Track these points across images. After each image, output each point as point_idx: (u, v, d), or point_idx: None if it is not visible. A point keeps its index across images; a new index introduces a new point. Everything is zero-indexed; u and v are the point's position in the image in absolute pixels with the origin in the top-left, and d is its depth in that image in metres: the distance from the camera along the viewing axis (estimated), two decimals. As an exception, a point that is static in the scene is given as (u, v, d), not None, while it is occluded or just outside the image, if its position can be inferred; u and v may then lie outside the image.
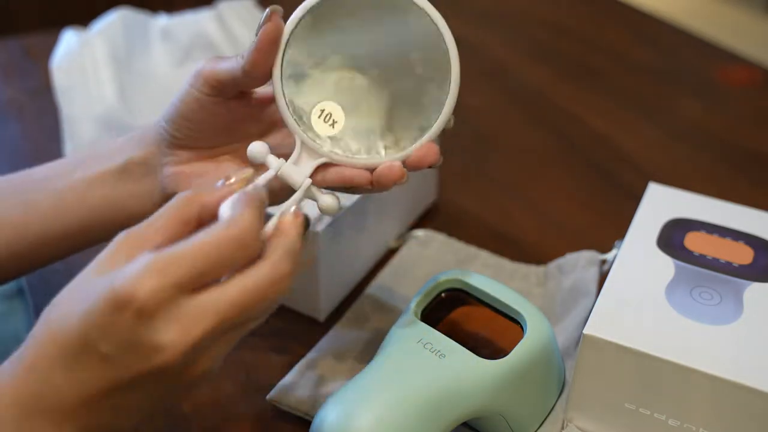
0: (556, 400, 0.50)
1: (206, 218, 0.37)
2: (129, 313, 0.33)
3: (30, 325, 0.63)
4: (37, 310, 0.59)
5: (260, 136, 0.48)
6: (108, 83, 0.80)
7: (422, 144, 0.43)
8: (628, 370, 0.45)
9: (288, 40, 0.43)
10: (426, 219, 0.69)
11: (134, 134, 0.51)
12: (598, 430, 0.48)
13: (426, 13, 0.42)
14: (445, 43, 0.43)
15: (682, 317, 0.47)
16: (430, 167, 0.44)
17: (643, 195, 0.58)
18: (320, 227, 0.54)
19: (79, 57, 0.83)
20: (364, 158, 0.43)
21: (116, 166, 0.50)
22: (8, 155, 0.80)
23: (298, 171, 0.42)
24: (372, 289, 0.60)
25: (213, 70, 0.44)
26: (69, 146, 0.75)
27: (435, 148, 0.44)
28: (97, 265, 0.36)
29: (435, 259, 0.63)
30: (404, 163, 0.43)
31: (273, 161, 0.42)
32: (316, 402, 0.49)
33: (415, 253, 0.63)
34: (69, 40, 0.86)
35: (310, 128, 0.43)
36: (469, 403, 0.44)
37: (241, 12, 0.92)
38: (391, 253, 0.64)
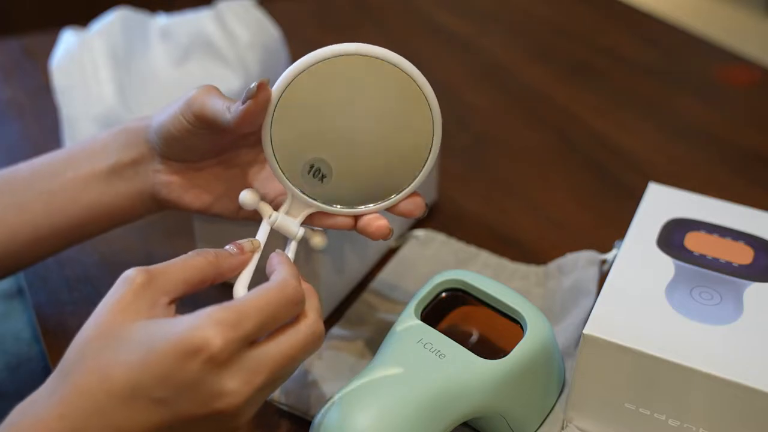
0: (556, 400, 0.50)
1: (217, 280, 0.41)
2: (199, 361, 0.35)
3: (30, 324, 0.63)
4: (37, 310, 0.59)
5: (250, 147, 0.50)
6: (107, 83, 0.80)
7: (400, 199, 0.46)
8: (628, 370, 0.45)
9: (276, 104, 0.43)
10: (426, 219, 0.69)
11: (121, 131, 0.50)
12: (598, 430, 0.48)
13: (412, 78, 0.44)
14: (430, 108, 0.44)
15: (682, 317, 0.47)
16: (417, 218, 0.46)
17: (643, 195, 0.58)
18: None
19: (78, 57, 0.83)
20: (349, 210, 0.46)
21: (106, 167, 0.50)
22: (8, 155, 0.80)
23: (290, 221, 0.46)
24: (372, 289, 0.60)
25: (202, 107, 0.44)
26: (68, 146, 0.75)
27: (419, 202, 0.47)
28: (119, 309, 0.37)
29: (435, 259, 0.63)
30: (391, 210, 0.46)
31: (265, 209, 0.46)
32: (316, 402, 0.49)
33: (415, 253, 0.63)
34: (68, 40, 0.86)
35: (299, 181, 0.45)
36: (469, 403, 0.44)
37: (240, 12, 0.92)
38: (391, 253, 0.64)
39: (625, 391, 0.46)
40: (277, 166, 0.45)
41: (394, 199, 0.46)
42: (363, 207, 0.46)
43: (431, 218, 0.69)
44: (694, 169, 0.77)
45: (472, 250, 0.63)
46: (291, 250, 0.45)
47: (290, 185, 0.45)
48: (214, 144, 0.48)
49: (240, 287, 0.42)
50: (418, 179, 0.46)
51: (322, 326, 0.40)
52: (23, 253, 0.50)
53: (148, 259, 0.62)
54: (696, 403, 0.44)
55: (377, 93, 0.44)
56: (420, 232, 0.65)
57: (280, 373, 0.38)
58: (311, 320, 0.39)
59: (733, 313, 0.47)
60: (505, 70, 0.97)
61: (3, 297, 0.65)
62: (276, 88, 0.43)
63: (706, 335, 0.46)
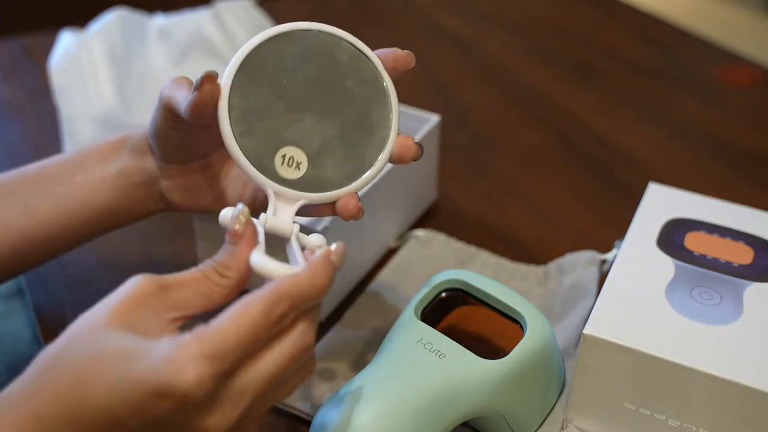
0: (556, 400, 0.50)
1: (231, 298, 0.38)
2: (172, 401, 0.32)
3: (30, 324, 0.63)
4: (37, 310, 0.59)
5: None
6: (106, 83, 0.80)
7: (372, 175, 0.44)
8: (628, 370, 0.45)
9: (228, 102, 0.42)
10: (426, 219, 0.69)
11: (128, 137, 0.50)
12: (598, 430, 0.48)
13: (344, 39, 0.44)
14: (370, 61, 0.45)
15: (682, 317, 0.47)
16: (414, 160, 0.45)
17: (643, 195, 0.58)
18: (320, 227, 0.54)
19: (77, 57, 0.83)
20: (335, 193, 0.44)
21: (114, 171, 0.50)
22: (8, 155, 0.80)
23: (280, 221, 0.43)
24: (372, 289, 0.60)
25: (169, 98, 0.44)
26: (69, 146, 0.75)
27: (410, 143, 0.45)
28: (116, 312, 0.35)
29: (435, 259, 0.63)
30: (390, 159, 0.45)
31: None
32: (316, 402, 0.49)
33: (415, 253, 0.63)
34: (66, 40, 0.86)
35: (277, 176, 0.43)
36: (469, 403, 0.44)
37: (238, 11, 0.92)
38: (391, 253, 0.64)
39: (625, 391, 0.46)
40: (251, 166, 0.43)
41: (368, 174, 0.44)
42: (344, 189, 0.44)
43: (431, 218, 0.69)
44: (694, 169, 0.77)
45: (472, 250, 0.63)
46: (295, 252, 0.42)
47: (270, 182, 0.43)
48: (197, 141, 0.47)
49: (257, 256, 0.38)
50: (386, 151, 0.45)
51: (311, 337, 0.37)
52: (32, 253, 0.50)
53: (148, 259, 0.62)
54: (696, 403, 0.44)
55: (321, 66, 0.44)
56: (420, 232, 0.65)
57: (267, 392, 0.35)
58: (298, 333, 0.36)
59: (733, 313, 0.47)
60: (505, 70, 0.97)
61: (3, 297, 0.65)
62: (224, 86, 0.42)
63: (706, 335, 0.46)
